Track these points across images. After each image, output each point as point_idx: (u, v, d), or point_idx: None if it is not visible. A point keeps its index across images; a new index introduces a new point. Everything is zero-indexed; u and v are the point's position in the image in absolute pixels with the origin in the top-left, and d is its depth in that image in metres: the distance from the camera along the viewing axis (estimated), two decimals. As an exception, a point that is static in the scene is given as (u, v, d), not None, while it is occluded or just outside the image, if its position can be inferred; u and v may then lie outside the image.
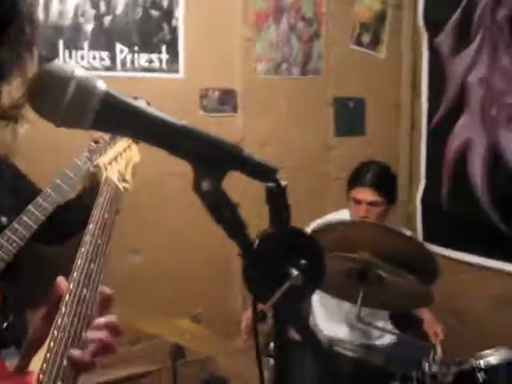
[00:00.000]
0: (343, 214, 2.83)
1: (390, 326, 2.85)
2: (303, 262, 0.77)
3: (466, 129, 3.09)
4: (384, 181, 2.74)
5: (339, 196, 2.98)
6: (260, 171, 0.77)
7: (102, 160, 1.68)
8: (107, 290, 0.99)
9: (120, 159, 1.76)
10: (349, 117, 3.26)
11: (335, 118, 3.22)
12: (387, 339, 2.84)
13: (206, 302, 2.52)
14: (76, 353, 0.85)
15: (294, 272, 0.76)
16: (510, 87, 2.87)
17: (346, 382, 1.79)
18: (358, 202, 2.70)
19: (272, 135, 3.05)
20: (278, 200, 0.79)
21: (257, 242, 0.77)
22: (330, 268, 1.86)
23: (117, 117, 0.72)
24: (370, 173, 2.71)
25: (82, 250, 1.10)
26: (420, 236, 3.34)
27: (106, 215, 1.28)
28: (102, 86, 0.71)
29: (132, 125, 0.72)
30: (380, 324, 2.79)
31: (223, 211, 0.74)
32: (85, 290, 0.99)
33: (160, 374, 2.77)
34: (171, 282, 2.81)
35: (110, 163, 1.70)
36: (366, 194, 2.67)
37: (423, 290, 1.84)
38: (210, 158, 0.73)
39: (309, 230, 2.37)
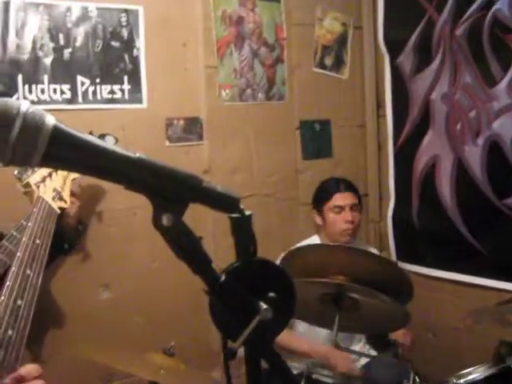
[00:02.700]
0: (314, 241, 2.82)
1: (367, 347, 2.82)
2: (272, 294, 0.73)
3: (432, 146, 3.11)
4: (354, 185, 2.80)
5: (309, 221, 2.97)
6: (222, 202, 0.74)
7: (34, 178, 1.56)
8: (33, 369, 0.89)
9: (55, 176, 1.64)
10: (316, 139, 3.25)
11: (302, 141, 3.21)
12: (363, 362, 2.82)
13: (179, 335, 2.45)
14: None
15: (263, 306, 0.72)
16: (473, 103, 2.90)
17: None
18: (339, 209, 2.71)
19: (240, 162, 3.02)
20: (243, 230, 0.75)
21: (223, 276, 0.73)
22: (303, 294, 1.83)
23: (67, 153, 0.68)
24: (340, 182, 2.77)
25: (7, 283, 0.99)
26: (393, 255, 3.33)
27: (37, 241, 1.17)
28: (50, 120, 0.67)
29: (84, 160, 0.69)
30: (357, 347, 2.76)
31: (185, 246, 0.71)
32: (10, 331, 0.90)
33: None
34: (142, 316, 2.74)
35: (43, 181, 1.58)
36: (347, 199, 2.71)
37: (399, 311, 1.81)
38: (167, 191, 0.70)
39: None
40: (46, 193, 1.50)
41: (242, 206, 0.75)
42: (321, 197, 2.82)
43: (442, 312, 3.13)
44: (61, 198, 1.56)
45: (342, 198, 2.73)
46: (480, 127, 2.89)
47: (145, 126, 2.73)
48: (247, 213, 0.76)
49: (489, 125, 2.85)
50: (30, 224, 1.20)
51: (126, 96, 2.66)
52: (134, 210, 2.62)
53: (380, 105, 3.36)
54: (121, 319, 2.69)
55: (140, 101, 2.70)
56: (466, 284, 3.00)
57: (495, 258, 2.87)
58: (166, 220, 0.70)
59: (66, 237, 2.24)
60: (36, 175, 1.57)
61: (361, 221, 2.84)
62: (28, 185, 1.56)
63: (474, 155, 2.93)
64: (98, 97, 2.60)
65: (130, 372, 2.28)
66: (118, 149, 0.70)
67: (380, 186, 3.43)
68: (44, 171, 1.59)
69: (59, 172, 1.65)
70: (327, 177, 3.01)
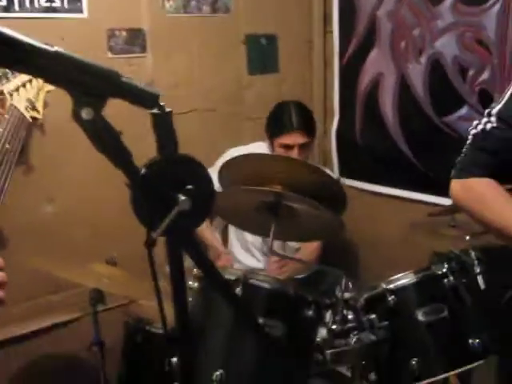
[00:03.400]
0: (259, 146, 2.84)
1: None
2: (190, 187, 0.77)
3: (376, 63, 3.14)
4: (308, 120, 2.78)
5: (254, 135, 2.99)
6: (141, 97, 0.75)
7: (7, 87, 1.58)
8: None
9: (30, 87, 1.65)
10: (262, 54, 3.24)
11: (248, 55, 3.19)
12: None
13: (121, 246, 2.51)
14: None
15: (182, 197, 0.75)
16: (417, 21, 2.92)
17: (260, 314, 1.83)
18: (287, 147, 2.71)
19: (184, 76, 2.99)
20: (163, 126, 0.77)
21: (143, 169, 0.76)
22: (241, 202, 1.88)
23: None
24: (294, 116, 2.72)
25: None
26: (336, 170, 3.41)
27: (7, 145, 1.21)
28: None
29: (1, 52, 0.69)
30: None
31: (105, 139, 0.73)
32: None
33: (82, 322, 2.76)
34: (85, 229, 2.76)
35: (17, 90, 1.59)
36: (297, 139, 2.69)
37: (334, 220, 1.89)
38: (86, 85, 0.71)
39: (221, 161, 2.37)
40: (19, 101, 1.52)
41: (162, 103, 0.77)
42: (272, 130, 2.79)
43: (380, 225, 3.26)
44: (33, 108, 1.57)
45: (291, 138, 2.70)
46: (423, 45, 2.93)
47: (86, 36, 2.65)
48: (167, 109, 0.77)
49: (432, 43, 2.89)
50: (0, 129, 1.24)
51: (66, 5, 2.57)
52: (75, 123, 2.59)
53: (327, 20, 3.34)
54: (65, 231, 2.71)
55: (80, 10, 2.62)
56: (403, 199, 3.12)
57: (431, 173, 2.97)
58: (85, 114, 0.71)
59: None
60: (10, 84, 1.58)
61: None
62: (1, 93, 1.56)
63: (417, 73, 2.97)
64: (36, 5, 2.50)
65: (74, 281, 2.33)
66: (36, 42, 0.70)
67: (325, 103, 3.46)
68: (18, 80, 1.60)
69: (34, 83, 1.67)
70: (273, 93, 3.02)
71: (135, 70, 2.80)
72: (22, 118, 1.44)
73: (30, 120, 1.50)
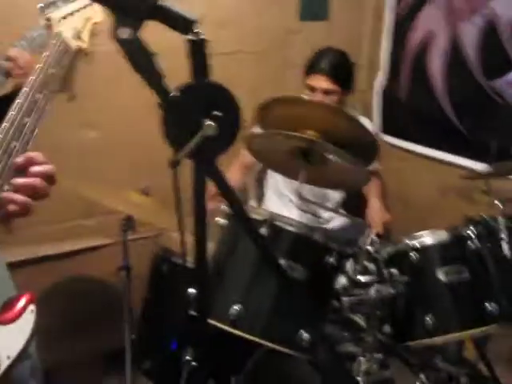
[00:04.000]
0: (299, 97, 2.84)
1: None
2: (218, 113, 0.79)
3: (428, 20, 3.07)
4: (340, 69, 2.74)
5: (298, 84, 2.97)
6: (178, 21, 0.78)
7: (55, 14, 1.59)
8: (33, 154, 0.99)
9: (78, 16, 1.64)
10: (314, 1, 3.18)
11: (300, 1, 3.14)
12: (335, 224, 2.97)
13: (156, 177, 2.55)
14: (6, 194, 0.87)
15: (207, 122, 0.78)
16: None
17: (283, 256, 1.86)
18: (312, 89, 2.70)
19: (233, 15, 2.97)
20: (198, 53, 0.80)
21: (175, 92, 0.79)
22: (274, 145, 1.90)
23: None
24: (325, 60, 2.69)
25: (18, 101, 1.08)
26: (377, 126, 3.39)
27: (49, 70, 1.24)
28: None
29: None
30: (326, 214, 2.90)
31: (141, 59, 0.76)
32: (14, 143, 1.00)
33: (111, 248, 2.85)
34: (124, 157, 2.83)
35: (65, 18, 1.60)
36: (320, 82, 2.67)
37: (363, 172, 1.90)
38: (127, 5, 0.74)
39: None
40: (66, 30, 1.53)
41: (198, 29, 0.79)
42: (305, 68, 2.79)
43: (415, 185, 3.25)
44: (79, 38, 1.59)
45: (316, 80, 2.68)
46: (479, 5, 2.84)
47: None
48: (202, 36, 0.79)
49: (488, 2, 2.80)
50: (46, 53, 1.27)
51: None
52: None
53: (384, -29, 3.26)
54: (104, 158, 2.79)
55: None
56: (439, 161, 3.09)
57: (472, 137, 2.93)
58: (123, 33, 0.74)
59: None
60: (58, 11, 1.59)
61: (342, 100, 2.82)
62: (49, 19, 1.57)
63: (469, 33, 2.90)
64: None
65: (108, 206, 2.41)
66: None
67: (372, 57, 3.41)
68: (67, 9, 1.61)
69: (82, 12, 1.67)
70: (320, 40, 2.98)
71: (184, 5, 2.80)
72: (66, 45, 1.46)
73: (74, 49, 1.52)
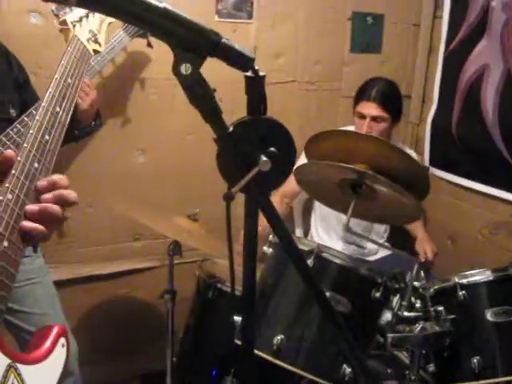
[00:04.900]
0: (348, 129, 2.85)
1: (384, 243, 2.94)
2: (273, 149, 0.80)
3: (483, 54, 3.04)
4: (389, 97, 2.75)
5: (349, 114, 2.98)
6: (238, 59, 0.79)
7: (70, 16, 1.51)
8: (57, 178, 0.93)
9: (92, 17, 1.58)
10: (366, 33, 3.20)
11: (352, 33, 3.17)
12: (379, 257, 2.94)
13: (205, 204, 2.59)
14: (27, 224, 0.86)
15: (263, 158, 0.79)
16: (533, 15, 2.80)
17: (328, 288, 1.86)
18: (362, 116, 2.72)
19: (286, 46, 3.02)
20: (255, 89, 0.81)
21: (232, 127, 0.80)
22: (324, 177, 1.90)
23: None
24: (376, 88, 2.71)
25: (37, 118, 1.00)
26: (427, 159, 3.36)
27: (69, 80, 1.15)
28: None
29: (115, 4, 0.75)
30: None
31: (200, 95, 0.77)
32: (36, 164, 0.93)
33: (157, 272, 2.90)
34: (173, 182, 2.88)
35: (80, 20, 1.54)
36: (370, 109, 2.68)
37: (414, 206, 1.88)
38: (188, 42, 0.76)
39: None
40: (82, 33, 1.45)
41: (256, 67, 0.81)
42: (355, 96, 2.82)
43: (464, 221, 3.19)
44: (96, 41, 1.52)
45: (366, 107, 2.71)
46: (535, 41, 2.81)
47: (195, -1, 2.73)
48: (261, 73, 0.81)
49: (543, 39, 2.77)
50: (63, 62, 1.20)
51: (180, -35, 2.64)
52: (176, 81, 2.68)
53: (438, 5, 3.26)
54: (154, 182, 2.84)
55: (192, -27, 2.69)
56: (492, 197, 3.03)
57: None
58: (184, 68, 0.76)
59: (77, 126, 2.23)
60: (73, 14, 1.50)
61: (391, 130, 2.83)
62: (64, 22, 1.52)
63: (525, 69, 2.86)
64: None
65: (156, 230, 2.45)
66: (147, -3, 0.75)
67: (424, 89, 3.39)
68: (81, 11, 1.52)
69: (96, 14, 1.60)
70: (373, 73, 2.99)
71: (239, 35, 2.86)
72: (84, 50, 1.38)
73: (92, 53, 1.44)
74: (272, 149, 0.80)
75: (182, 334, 2.54)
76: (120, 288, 2.95)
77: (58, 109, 1.03)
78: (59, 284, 2.41)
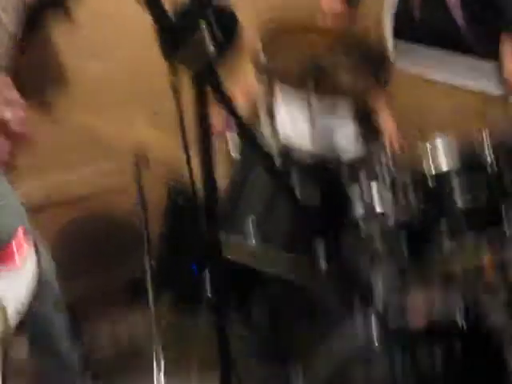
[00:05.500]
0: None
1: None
2: (213, 18, 0.76)
3: None
4: None
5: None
6: None
7: None
8: None
9: None
10: None
11: None
12: (352, 154, 2.93)
13: (165, 103, 2.52)
14: None
15: (202, 25, 0.75)
16: None
17: (297, 182, 1.85)
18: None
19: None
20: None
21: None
22: (285, 57, 1.84)
23: None
24: None
25: None
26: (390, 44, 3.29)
27: None
28: None
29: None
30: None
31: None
32: None
33: (127, 187, 2.85)
34: (130, 86, 2.81)
35: None
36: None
37: (370, 80, 1.85)
38: None
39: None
40: None
41: None
42: None
43: (432, 112, 3.19)
44: None
45: None
46: None
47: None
48: None
49: None
50: None
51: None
52: None
53: None
54: (103, 91, 2.76)
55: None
56: (458, 87, 3.01)
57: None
58: None
59: None
60: None
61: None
62: None
63: None
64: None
65: (121, 141, 2.38)
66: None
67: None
68: None
69: None
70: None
71: None
72: None
73: None
74: (212, 17, 0.75)
75: (158, 242, 2.56)
76: (92, 206, 2.93)
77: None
78: (32, 210, 2.38)
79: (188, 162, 1.12)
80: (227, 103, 0.94)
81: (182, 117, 0.92)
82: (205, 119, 0.92)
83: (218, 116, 2.57)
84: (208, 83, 0.84)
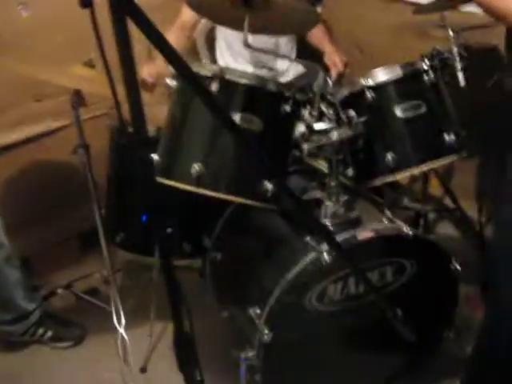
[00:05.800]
0: None
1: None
2: None
3: None
4: None
5: None
6: None
7: None
8: None
9: None
10: None
11: None
12: (291, 76, 2.93)
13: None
14: None
15: None
16: None
17: (237, 110, 1.82)
18: None
19: None
20: None
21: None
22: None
23: None
24: None
25: None
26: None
27: None
28: None
29: None
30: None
31: None
32: None
33: (68, 130, 2.78)
34: (64, 32, 2.69)
35: None
36: None
37: (310, 12, 1.82)
38: None
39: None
40: None
41: None
42: None
43: (369, 28, 3.16)
44: None
45: None
46: None
47: None
48: None
49: None
50: None
51: None
52: None
53: None
54: (43, 35, 2.65)
55: None
56: None
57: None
58: None
59: None
60: None
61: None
62: None
63: None
64: None
65: (55, 83, 2.30)
66: None
67: None
68: None
69: None
70: None
71: None
72: None
73: None
74: None
75: (106, 187, 2.52)
76: (32, 154, 2.84)
77: None
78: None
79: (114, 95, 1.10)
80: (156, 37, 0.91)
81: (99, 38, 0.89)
82: (126, 45, 0.89)
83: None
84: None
